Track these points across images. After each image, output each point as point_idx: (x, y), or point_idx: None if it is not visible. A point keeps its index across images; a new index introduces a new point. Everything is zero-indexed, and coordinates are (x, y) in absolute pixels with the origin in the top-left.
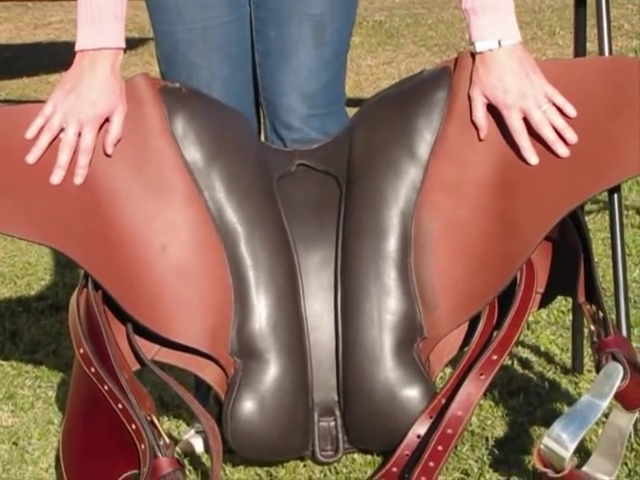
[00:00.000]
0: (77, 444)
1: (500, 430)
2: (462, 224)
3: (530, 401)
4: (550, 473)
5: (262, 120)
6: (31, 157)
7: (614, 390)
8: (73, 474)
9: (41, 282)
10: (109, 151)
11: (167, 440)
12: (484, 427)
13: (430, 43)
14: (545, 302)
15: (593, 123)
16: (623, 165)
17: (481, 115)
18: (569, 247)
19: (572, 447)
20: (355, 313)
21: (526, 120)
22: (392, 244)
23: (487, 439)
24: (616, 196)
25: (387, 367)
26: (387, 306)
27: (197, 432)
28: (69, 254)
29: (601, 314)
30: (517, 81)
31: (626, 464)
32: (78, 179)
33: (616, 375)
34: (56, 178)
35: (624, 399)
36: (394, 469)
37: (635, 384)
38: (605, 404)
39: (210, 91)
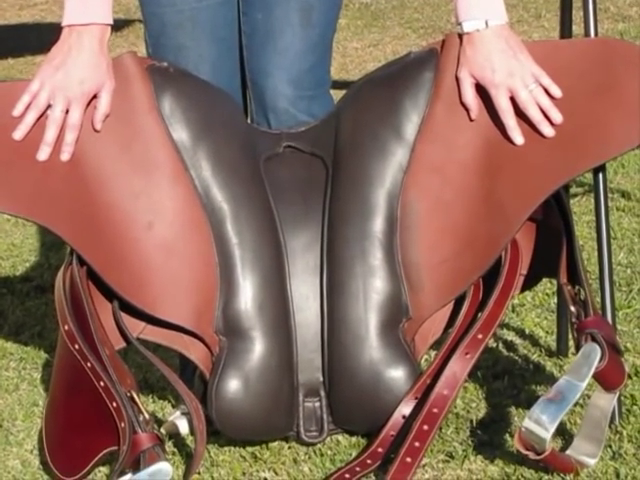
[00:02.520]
0: (59, 420)
1: (485, 412)
2: (448, 204)
3: (515, 384)
4: (531, 455)
5: (249, 102)
6: (18, 134)
7: (592, 371)
8: (54, 449)
9: (26, 264)
10: (98, 128)
11: (147, 416)
12: (469, 409)
13: (416, 25)
14: (529, 285)
15: (578, 103)
16: (607, 145)
17: (470, 95)
18: (553, 229)
19: (552, 428)
20: (340, 293)
21: (512, 100)
22: (378, 224)
23: (472, 421)
24: (601, 179)
25: (372, 347)
26: (373, 286)
27: (182, 414)
28: (54, 229)
29: (582, 295)
30: (505, 60)
31: (610, 446)
32: (65, 156)
33: (594, 356)
34: (42, 155)
35: (603, 380)
36: (379, 450)
37: (613, 365)
38: (583, 385)
39: (198, 73)
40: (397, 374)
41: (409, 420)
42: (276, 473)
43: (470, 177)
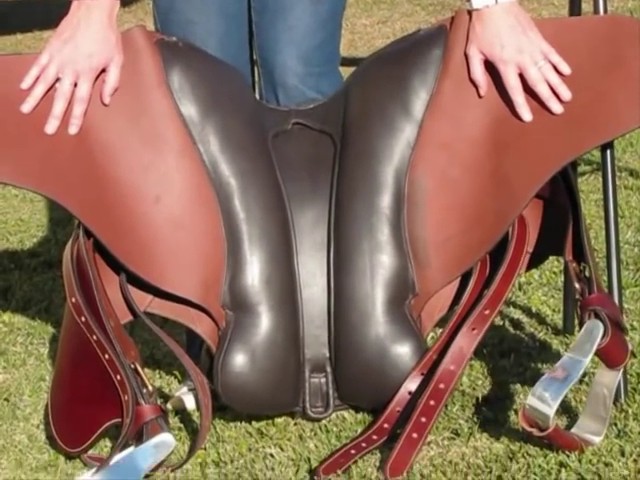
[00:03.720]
0: (64, 392)
1: (490, 390)
2: (455, 181)
3: (521, 361)
4: (535, 432)
5: (257, 79)
6: (26, 107)
7: (595, 347)
8: (59, 421)
9: (33, 239)
10: (106, 101)
11: (150, 388)
12: (475, 387)
13: (425, 2)
14: (536, 263)
15: (587, 80)
16: (615, 122)
17: (479, 72)
18: (560, 207)
19: (555, 405)
20: (347, 269)
21: (520, 77)
22: (385, 201)
23: (477, 399)
24: (609, 157)
25: (378, 323)
26: (379, 262)
27: (188, 389)
28: (62, 202)
29: (587, 272)
30: (514, 37)
31: (615, 425)
32: (73, 129)
33: (596, 333)
34: (50, 128)
35: (606, 357)
36: (385, 425)
37: (616, 342)
38: (586, 361)
39: (206, 49)
40: (403, 350)
41: (415, 396)
42: (282, 449)
43: (478, 154)
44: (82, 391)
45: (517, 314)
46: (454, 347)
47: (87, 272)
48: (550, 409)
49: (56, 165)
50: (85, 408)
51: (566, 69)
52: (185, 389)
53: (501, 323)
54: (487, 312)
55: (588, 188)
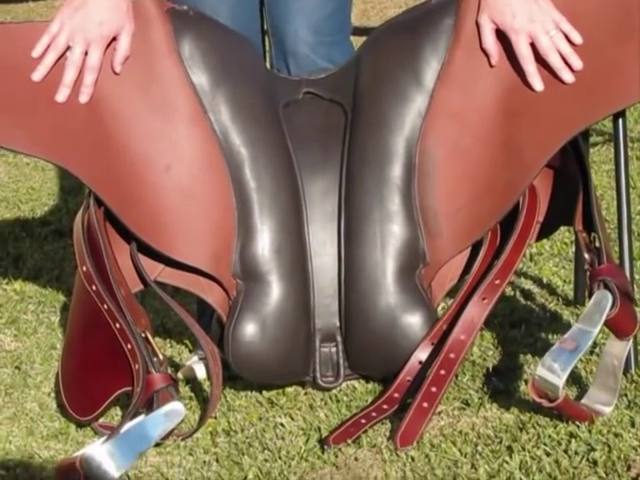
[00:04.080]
0: (75, 361)
1: (501, 360)
2: (466, 151)
3: (531, 332)
4: (545, 403)
5: (268, 48)
6: (37, 75)
7: (604, 318)
8: (70, 390)
9: (44, 207)
10: (117, 70)
11: (161, 357)
12: (485, 357)
13: None
14: (547, 233)
15: (598, 49)
16: (626, 92)
17: (490, 41)
18: (570, 176)
19: (564, 375)
20: (358, 238)
21: (532, 46)
22: (396, 170)
23: (488, 369)
24: (621, 128)
25: (389, 293)
26: (390, 232)
27: (199, 359)
28: (73, 171)
29: (597, 243)
30: (525, 6)
31: (626, 395)
32: (84, 97)
33: (605, 303)
34: (61, 96)
35: (615, 327)
36: (395, 395)
37: (625, 312)
38: (595, 331)
39: (216, 17)
40: (414, 320)
41: (425, 365)
42: (292, 418)
43: (489, 123)
44: (93, 360)
45: (528, 285)
46: (465, 317)
47: (98, 241)
48: (559, 379)
49: (67, 134)
50: (96, 377)
51: (577, 38)
52: (196, 358)
53: (512, 294)
54: (498, 282)
55: (600, 159)
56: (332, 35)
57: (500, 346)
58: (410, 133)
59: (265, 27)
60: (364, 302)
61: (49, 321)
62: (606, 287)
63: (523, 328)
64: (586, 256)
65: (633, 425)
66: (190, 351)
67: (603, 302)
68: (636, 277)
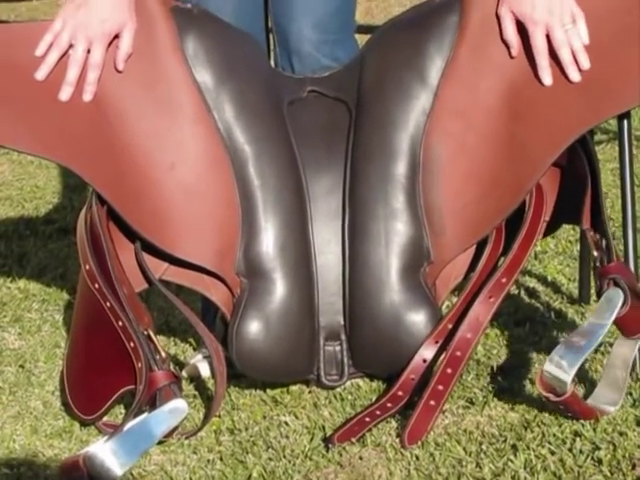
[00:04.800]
0: (79, 360)
1: (505, 359)
2: (471, 148)
3: (536, 330)
4: (552, 397)
5: (272, 46)
6: (40, 74)
7: (614, 315)
8: (74, 388)
9: (49, 205)
10: (120, 67)
11: (163, 354)
12: (490, 356)
13: None
14: (552, 230)
15: (608, 48)
16: (632, 91)
17: (511, 32)
18: (578, 174)
19: (572, 371)
20: (362, 236)
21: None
22: (401, 168)
23: (492, 368)
24: (626, 126)
25: (393, 291)
26: (395, 229)
27: (203, 357)
28: (76, 170)
29: (605, 241)
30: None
31: (631, 394)
32: (87, 95)
33: (617, 300)
34: (64, 95)
35: (624, 326)
36: (400, 393)
37: (635, 311)
38: (606, 328)
39: (221, 15)
40: (418, 318)
41: (430, 364)
42: (296, 417)
43: (494, 121)
44: (96, 358)
45: (533, 283)
46: (471, 315)
47: (100, 239)
48: (568, 376)
49: (70, 132)
50: (99, 375)
51: (586, 39)
52: (200, 356)
53: (517, 292)
54: (504, 280)
55: (604, 157)
56: (336, 33)
57: (505, 345)
58: (414, 131)
59: (269, 25)
60: (368, 300)
61: (53, 319)
62: (616, 285)
63: (528, 326)
64: (595, 254)
65: (638, 424)
66: (194, 349)
67: (615, 300)
68: None
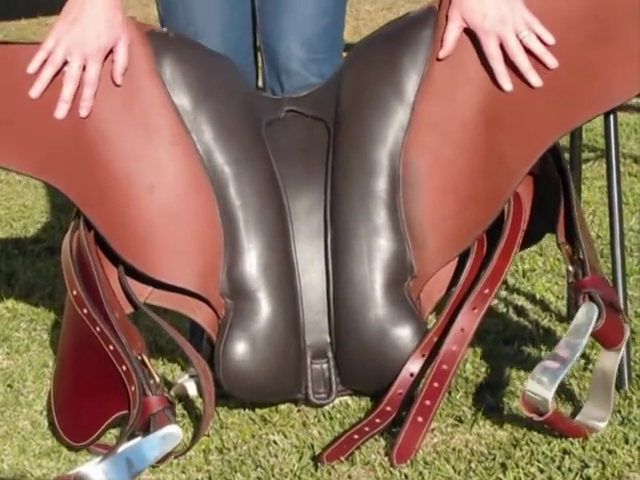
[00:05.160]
0: (68, 385)
1: (494, 377)
2: (449, 161)
3: (524, 348)
4: (536, 417)
5: (261, 65)
6: (34, 91)
7: (590, 330)
8: (63, 415)
9: (37, 225)
10: (117, 82)
11: (157, 379)
12: (478, 374)
13: None
14: (532, 241)
15: (577, 53)
16: (606, 94)
17: (453, 36)
18: (551, 185)
19: (553, 388)
20: (345, 253)
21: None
22: (381, 184)
23: (481, 386)
24: (613, 144)
25: (378, 306)
26: (377, 245)
27: (191, 376)
28: (62, 189)
29: (580, 254)
30: (497, 7)
31: (619, 412)
32: (83, 112)
33: (591, 315)
34: (60, 112)
35: (603, 338)
36: (388, 408)
37: (612, 323)
38: (582, 343)
39: (208, 33)
40: (404, 332)
41: (417, 378)
42: (285, 436)
43: (470, 132)
44: (86, 383)
45: (521, 301)
46: (455, 327)
47: (89, 263)
48: (548, 392)
49: (56, 152)
50: (89, 400)
51: (550, 39)
52: (187, 376)
53: (505, 310)
54: (487, 291)
55: (592, 175)
56: (324, 52)
57: (493, 362)
58: (393, 146)
59: (257, 44)
60: (354, 317)
61: (41, 339)
62: (591, 299)
63: (516, 344)
64: (570, 268)
65: (627, 441)
66: (182, 369)
67: (589, 314)
68: (629, 293)
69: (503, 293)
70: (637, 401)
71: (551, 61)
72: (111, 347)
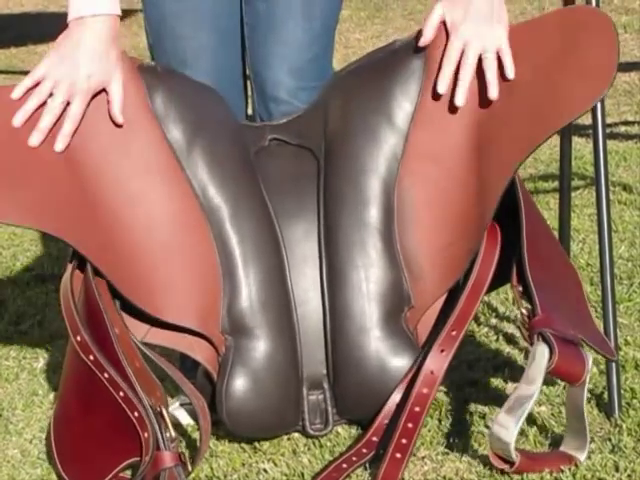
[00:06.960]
0: (73, 433)
1: (485, 404)
2: (444, 191)
3: (515, 376)
4: (507, 469)
5: (250, 93)
6: (17, 119)
7: (543, 373)
8: (68, 462)
9: (27, 253)
10: (118, 120)
11: (173, 433)
12: (468, 401)
13: (419, 17)
14: (499, 283)
15: (542, 76)
16: (564, 110)
17: (434, 24)
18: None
19: (513, 436)
20: (342, 285)
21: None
22: (375, 214)
23: (471, 413)
24: (603, 172)
25: (376, 337)
26: (374, 276)
27: (181, 404)
28: (62, 237)
29: (528, 293)
30: (481, 19)
31: (610, 439)
32: (59, 146)
33: (541, 357)
34: (34, 140)
35: (562, 376)
36: (374, 438)
37: (567, 359)
38: (535, 388)
39: (198, 63)
40: (402, 363)
41: (402, 407)
42: (275, 464)
43: (463, 161)
44: (93, 429)
45: (511, 329)
46: (425, 370)
47: (97, 310)
48: (510, 438)
49: (53, 199)
50: (98, 447)
51: (511, 74)
52: (177, 404)
53: (495, 338)
54: (454, 333)
55: (582, 202)
56: (313, 80)
57: (483, 390)
58: (387, 176)
59: (247, 72)
60: (351, 347)
61: (31, 367)
62: (543, 339)
63: (507, 371)
64: (523, 311)
65: (617, 469)
66: (172, 396)
67: (538, 356)
68: (619, 320)
69: (493, 321)
70: (627, 429)
71: (493, 93)
72: (121, 393)
